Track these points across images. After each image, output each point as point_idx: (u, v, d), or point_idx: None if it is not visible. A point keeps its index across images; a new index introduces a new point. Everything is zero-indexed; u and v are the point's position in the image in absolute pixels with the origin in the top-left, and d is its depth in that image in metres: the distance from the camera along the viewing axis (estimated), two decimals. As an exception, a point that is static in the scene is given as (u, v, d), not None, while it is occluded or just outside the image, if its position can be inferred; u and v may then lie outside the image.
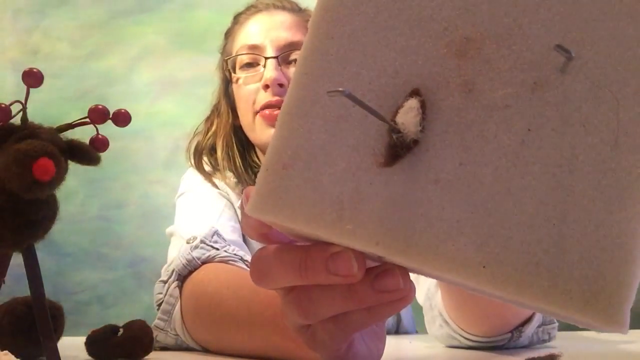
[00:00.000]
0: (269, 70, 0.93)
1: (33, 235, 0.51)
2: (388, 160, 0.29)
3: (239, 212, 0.93)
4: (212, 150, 1.03)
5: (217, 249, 0.78)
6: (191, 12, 1.71)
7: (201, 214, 0.93)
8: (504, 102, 0.29)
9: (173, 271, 0.77)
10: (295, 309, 0.35)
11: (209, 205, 0.94)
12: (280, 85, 0.92)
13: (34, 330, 0.53)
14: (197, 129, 1.07)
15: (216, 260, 0.77)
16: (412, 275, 0.33)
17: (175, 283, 0.76)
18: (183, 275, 0.76)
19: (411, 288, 0.33)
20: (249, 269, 0.37)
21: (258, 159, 1.02)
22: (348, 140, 0.30)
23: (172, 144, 1.66)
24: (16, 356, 0.59)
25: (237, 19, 1.03)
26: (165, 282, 0.78)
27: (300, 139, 0.30)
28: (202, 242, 0.78)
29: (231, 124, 1.03)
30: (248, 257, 0.78)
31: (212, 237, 0.80)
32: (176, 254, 0.80)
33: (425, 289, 0.77)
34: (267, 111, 0.93)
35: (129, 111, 0.57)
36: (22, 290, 0.56)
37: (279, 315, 0.38)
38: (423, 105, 0.29)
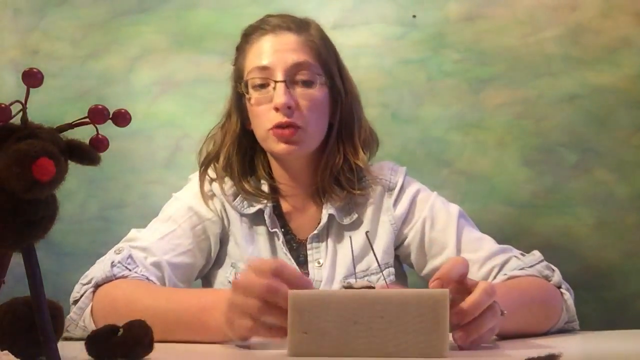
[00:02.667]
0: (279, 96, 1.08)
1: (33, 235, 0.51)
2: None
3: (212, 238, 1.14)
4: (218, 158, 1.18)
5: (130, 270, 1.00)
6: (191, 12, 1.71)
7: (157, 235, 1.10)
8: None
9: (92, 279, 0.99)
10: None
11: (170, 234, 1.11)
12: (289, 107, 1.07)
13: (34, 330, 0.53)
14: (209, 133, 1.18)
15: (128, 278, 0.99)
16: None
17: (92, 289, 0.98)
18: (99, 284, 0.98)
19: None
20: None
21: (262, 165, 1.17)
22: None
23: (172, 144, 1.66)
24: (16, 356, 0.59)
25: (247, 39, 1.15)
26: (84, 284, 1.00)
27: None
28: (119, 262, 1.00)
29: (239, 130, 1.16)
30: (153, 278, 1.02)
31: (126, 260, 1.02)
32: (100, 265, 1.01)
33: None
34: (279, 130, 1.09)
35: (129, 111, 0.57)
36: (22, 290, 0.56)
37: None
38: None
